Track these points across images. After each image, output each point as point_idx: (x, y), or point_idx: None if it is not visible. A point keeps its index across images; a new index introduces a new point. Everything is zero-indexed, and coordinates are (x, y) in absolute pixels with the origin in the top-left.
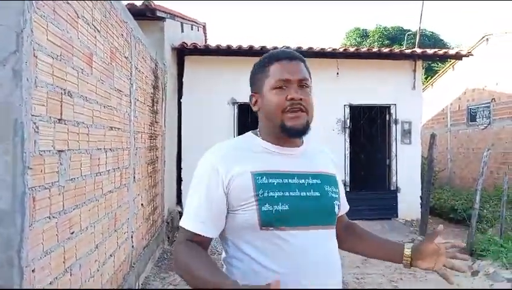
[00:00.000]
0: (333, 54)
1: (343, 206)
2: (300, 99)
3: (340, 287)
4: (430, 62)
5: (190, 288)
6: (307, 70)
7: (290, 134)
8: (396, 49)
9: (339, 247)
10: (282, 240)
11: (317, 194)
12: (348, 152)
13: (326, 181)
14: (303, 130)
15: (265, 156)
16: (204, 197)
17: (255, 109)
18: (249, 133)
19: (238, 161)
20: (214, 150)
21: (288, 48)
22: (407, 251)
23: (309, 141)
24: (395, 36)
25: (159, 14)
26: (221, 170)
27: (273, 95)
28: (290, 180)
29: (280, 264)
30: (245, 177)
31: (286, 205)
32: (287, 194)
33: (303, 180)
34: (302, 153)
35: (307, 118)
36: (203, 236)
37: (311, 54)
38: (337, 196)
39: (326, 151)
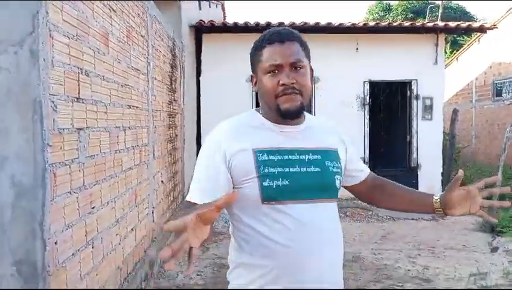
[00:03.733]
0: (352, 29)
1: (362, 173)
2: (293, 83)
3: (341, 259)
4: (455, 36)
5: (206, 288)
6: (303, 49)
7: (285, 117)
8: (417, 22)
9: (377, 205)
10: (284, 214)
11: (318, 169)
12: (367, 129)
13: (327, 156)
14: (297, 112)
15: (267, 133)
16: (208, 171)
17: (254, 89)
18: (252, 110)
19: (241, 137)
20: (218, 128)
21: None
22: (436, 204)
23: (312, 117)
24: (420, 9)
25: None
26: (224, 146)
27: (266, 80)
28: (290, 156)
29: (283, 236)
30: (247, 153)
31: (286, 180)
32: (287, 170)
33: (303, 156)
34: (304, 130)
35: (301, 99)
36: None
37: (330, 29)
38: (338, 170)
39: (331, 126)
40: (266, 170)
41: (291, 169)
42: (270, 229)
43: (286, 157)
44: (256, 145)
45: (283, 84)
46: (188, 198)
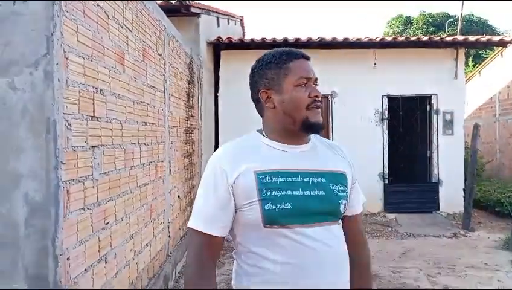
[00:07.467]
0: (370, 44)
1: (356, 202)
2: (320, 97)
3: (346, 283)
4: (477, 49)
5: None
6: None
7: (313, 129)
8: (436, 36)
9: None
10: (287, 238)
11: (322, 193)
12: (386, 144)
13: (332, 180)
14: (322, 126)
15: (270, 155)
16: (212, 197)
17: (268, 105)
18: (254, 132)
19: (243, 160)
20: (220, 150)
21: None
22: None
23: (318, 137)
24: (441, 23)
25: (193, 10)
26: (227, 170)
27: (297, 92)
28: (293, 178)
29: (286, 261)
30: (248, 176)
31: (289, 203)
32: (290, 193)
33: (307, 179)
34: (309, 150)
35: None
36: (214, 236)
37: (347, 44)
38: (344, 194)
39: (340, 148)
40: (268, 193)
41: (294, 192)
42: (272, 252)
43: (289, 179)
44: (258, 167)
45: (315, 96)
46: (195, 225)
